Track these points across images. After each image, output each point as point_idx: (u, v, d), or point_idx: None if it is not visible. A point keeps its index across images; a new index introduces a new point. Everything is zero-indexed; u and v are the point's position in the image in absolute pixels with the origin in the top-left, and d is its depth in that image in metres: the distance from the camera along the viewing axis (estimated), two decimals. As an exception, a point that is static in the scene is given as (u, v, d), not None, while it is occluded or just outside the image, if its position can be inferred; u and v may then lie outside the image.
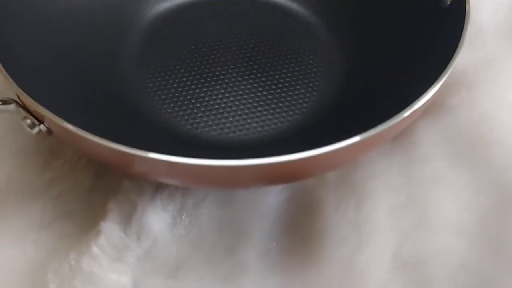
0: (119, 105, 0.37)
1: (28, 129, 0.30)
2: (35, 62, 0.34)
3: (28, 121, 0.30)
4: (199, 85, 0.40)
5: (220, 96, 0.39)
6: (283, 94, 0.39)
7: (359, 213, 0.32)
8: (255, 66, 0.41)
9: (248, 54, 0.42)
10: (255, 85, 0.40)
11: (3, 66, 0.30)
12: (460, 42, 0.32)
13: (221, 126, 0.37)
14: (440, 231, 0.32)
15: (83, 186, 0.34)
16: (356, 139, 0.27)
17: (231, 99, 0.39)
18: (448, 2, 0.35)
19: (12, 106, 0.30)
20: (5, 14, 0.34)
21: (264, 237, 0.32)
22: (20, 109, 0.30)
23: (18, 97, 0.30)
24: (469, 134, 0.36)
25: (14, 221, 0.32)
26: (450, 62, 0.30)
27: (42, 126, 0.30)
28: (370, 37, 0.40)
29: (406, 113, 0.28)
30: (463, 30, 0.32)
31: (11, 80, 0.29)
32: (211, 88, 0.39)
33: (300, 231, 0.32)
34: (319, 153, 0.27)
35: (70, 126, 0.27)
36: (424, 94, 0.29)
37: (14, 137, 0.36)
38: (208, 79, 0.40)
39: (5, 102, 0.30)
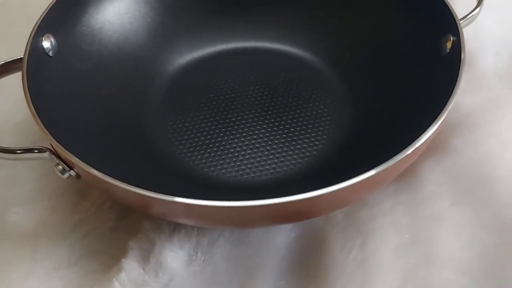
0: (142, 150, 0.41)
1: (60, 174, 0.33)
2: (68, 113, 0.38)
3: (60, 167, 0.33)
4: (217, 131, 0.42)
5: (236, 140, 0.42)
6: (295, 138, 0.42)
7: (365, 250, 0.34)
8: (269, 112, 0.44)
9: (262, 101, 0.45)
10: (269, 129, 0.42)
11: (39, 118, 0.33)
12: (456, 85, 0.33)
13: (236, 168, 0.40)
14: (443, 268, 0.33)
15: (107, 226, 0.37)
16: (360, 178, 0.29)
17: (246, 143, 0.42)
18: (448, 50, 0.37)
19: (46, 154, 0.34)
20: (42, 70, 0.38)
21: (273, 274, 0.34)
22: (53, 156, 0.33)
23: (52, 145, 0.33)
24: (473, 173, 0.37)
25: (45, 259, 0.35)
26: (448, 102, 0.32)
27: (72, 172, 0.33)
28: (377, 84, 0.43)
29: (408, 151, 0.30)
30: (459, 75, 0.34)
31: (45, 131, 0.32)
32: (227, 133, 0.42)
33: (308, 268, 0.34)
34: (323, 193, 0.29)
35: (96, 172, 0.30)
36: (425, 133, 0.31)
37: (46, 181, 0.39)
38: (225, 125, 0.43)
39: (40, 150, 0.34)
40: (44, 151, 0.34)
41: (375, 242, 0.34)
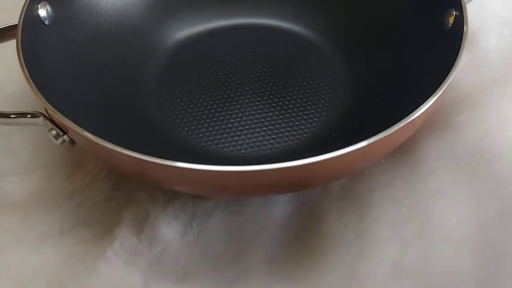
0: (139, 122, 0.40)
1: (54, 140, 0.33)
2: (63, 82, 0.37)
3: (54, 132, 0.33)
4: (215, 106, 0.42)
5: (234, 116, 0.41)
6: (294, 115, 0.41)
7: (362, 223, 0.33)
8: (268, 89, 0.43)
9: (262, 78, 0.44)
10: (268, 105, 0.42)
11: (34, 83, 0.33)
12: (458, 58, 0.33)
13: (233, 143, 0.40)
14: (441, 242, 0.32)
15: (101, 196, 0.36)
16: (352, 148, 0.29)
17: (244, 118, 0.41)
18: (450, 25, 0.37)
19: (40, 119, 0.33)
20: (37, 39, 0.37)
21: (269, 245, 0.33)
22: (47, 121, 0.33)
23: (46, 110, 0.33)
24: (472, 149, 0.37)
25: (38, 227, 0.35)
26: (447, 76, 0.32)
27: (65, 137, 0.33)
28: (377, 59, 0.42)
29: (402, 124, 0.30)
30: (461, 48, 0.33)
31: (39, 94, 0.32)
32: (225, 108, 0.42)
33: (304, 240, 0.33)
34: (317, 160, 0.28)
35: (90, 135, 0.30)
36: (421, 106, 0.30)
37: (41, 151, 0.39)
38: (223, 100, 0.42)
39: (34, 115, 0.33)
40: (38, 116, 0.33)
41: (372, 215, 0.34)
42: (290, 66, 0.45)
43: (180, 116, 0.41)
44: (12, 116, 0.33)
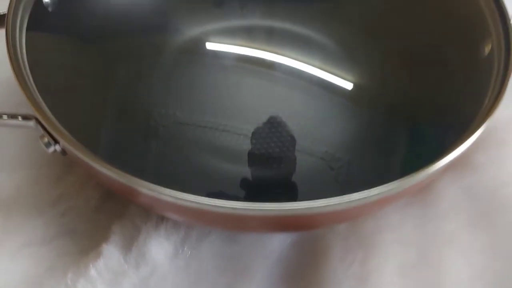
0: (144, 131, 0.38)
1: (44, 147, 0.30)
2: (59, 82, 0.34)
3: (46, 139, 0.30)
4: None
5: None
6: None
7: (366, 266, 0.31)
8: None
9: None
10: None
11: (25, 83, 0.30)
12: (501, 94, 0.30)
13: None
14: (450, 297, 0.30)
15: (90, 206, 0.34)
16: (367, 193, 0.26)
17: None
18: (486, 53, 0.34)
19: (31, 123, 0.30)
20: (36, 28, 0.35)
21: (263, 280, 0.31)
22: (39, 126, 0.30)
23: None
24: (494, 195, 0.34)
25: (16, 234, 0.32)
26: (487, 115, 0.29)
27: (57, 147, 0.30)
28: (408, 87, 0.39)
29: (422, 175, 0.27)
30: (505, 81, 0.30)
31: (31, 99, 0.29)
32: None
33: (302, 278, 0.31)
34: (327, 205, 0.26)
35: (82, 156, 0.27)
36: (448, 155, 0.27)
37: (30, 149, 0.36)
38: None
39: (25, 117, 0.30)
40: (30, 119, 0.30)
41: (379, 258, 0.31)
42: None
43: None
44: (5, 117, 0.30)
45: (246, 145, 0.38)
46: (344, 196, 0.25)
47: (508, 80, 0.31)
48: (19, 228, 0.33)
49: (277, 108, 0.39)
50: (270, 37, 0.44)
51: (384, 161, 0.36)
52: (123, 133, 0.37)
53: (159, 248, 0.32)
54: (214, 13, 0.44)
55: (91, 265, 0.30)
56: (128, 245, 0.32)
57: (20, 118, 0.30)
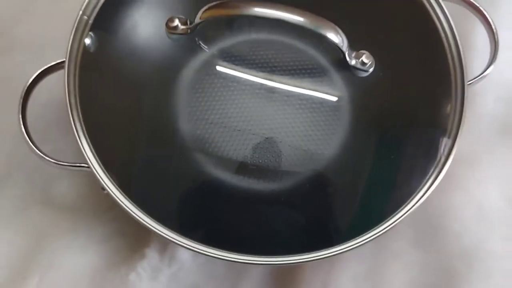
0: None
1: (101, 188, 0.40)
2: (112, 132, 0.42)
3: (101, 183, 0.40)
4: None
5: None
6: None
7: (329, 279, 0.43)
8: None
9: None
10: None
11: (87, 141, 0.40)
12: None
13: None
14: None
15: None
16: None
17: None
18: None
19: (89, 169, 0.40)
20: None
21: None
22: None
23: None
24: (435, 222, 0.45)
25: (82, 234, 0.45)
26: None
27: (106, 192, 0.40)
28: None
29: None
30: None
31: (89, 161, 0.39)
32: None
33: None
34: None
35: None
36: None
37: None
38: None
39: (80, 166, 0.41)
40: (88, 167, 0.40)
41: (338, 269, 0.44)
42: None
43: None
44: (72, 167, 0.41)
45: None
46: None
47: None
48: (85, 230, 0.45)
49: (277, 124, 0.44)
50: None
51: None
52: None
53: (185, 250, 0.44)
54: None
55: (138, 265, 0.43)
56: (163, 248, 0.44)
57: (77, 164, 0.41)
